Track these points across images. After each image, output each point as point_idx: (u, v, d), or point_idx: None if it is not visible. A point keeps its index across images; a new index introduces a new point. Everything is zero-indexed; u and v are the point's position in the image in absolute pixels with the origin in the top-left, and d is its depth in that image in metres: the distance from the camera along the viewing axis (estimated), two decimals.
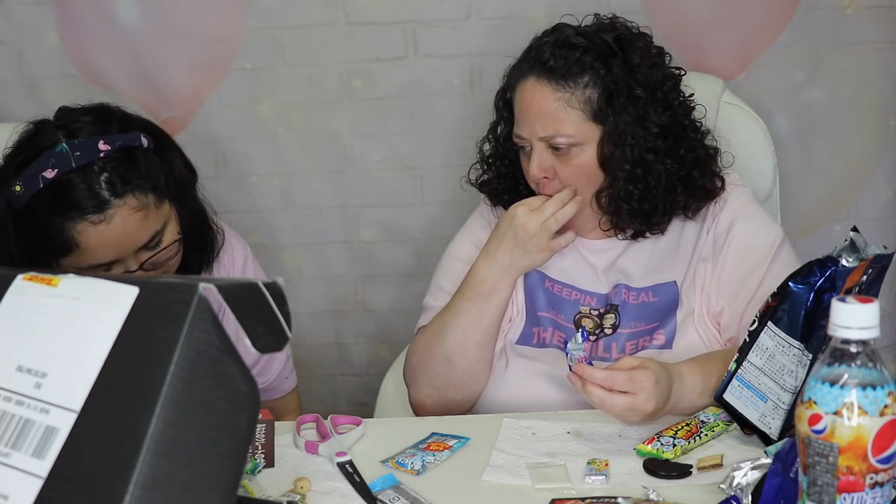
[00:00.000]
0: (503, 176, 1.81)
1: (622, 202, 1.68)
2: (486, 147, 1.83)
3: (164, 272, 1.62)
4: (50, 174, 1.52)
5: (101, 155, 1.54)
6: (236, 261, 1.80)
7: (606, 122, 1.66)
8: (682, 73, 1.76)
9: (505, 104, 1.77)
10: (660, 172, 1.67)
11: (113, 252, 1.56)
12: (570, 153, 1.67)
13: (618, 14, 1.76)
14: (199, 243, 1.71)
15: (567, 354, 1.47)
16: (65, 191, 1.53)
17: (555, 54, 1.67)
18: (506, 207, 1.77)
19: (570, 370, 1.45)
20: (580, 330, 1.46)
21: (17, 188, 1.54)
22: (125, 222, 1.54)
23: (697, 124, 1.75)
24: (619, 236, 1.74)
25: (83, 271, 1.02)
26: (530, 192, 1.75)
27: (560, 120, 1.66)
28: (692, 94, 1.76)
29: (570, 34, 1.69)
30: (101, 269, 1.57)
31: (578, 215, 1.70)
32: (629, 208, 1.68)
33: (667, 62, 1.74)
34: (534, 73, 1.68)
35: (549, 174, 1.69)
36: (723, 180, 1.74)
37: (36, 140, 1.58)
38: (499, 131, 1.80)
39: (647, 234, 1.73)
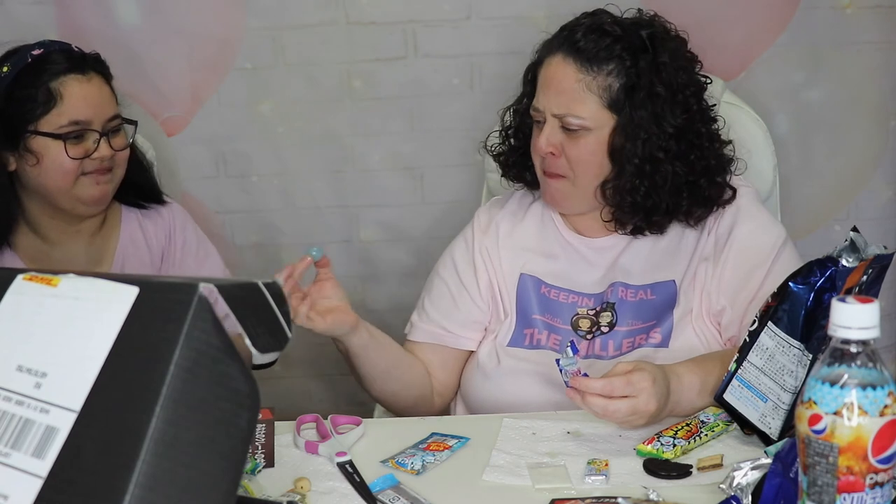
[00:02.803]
0: (515, 149, 1.82)
1: (626, 195, 1.69)
2: (507, 118, 1.84)
3: (114, 166, 1.83)
4: (36, 52, 1.80)
5: (76, 49, 1.85)
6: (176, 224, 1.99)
7: (622, 113, 1.67)
8: (709, 81, 1.76)
9: (528, 79, 1.79)
10: (667, 173, 1.67)
11: (90, 110, 1.79)
12: (579, 134, 1.68)
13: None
14: (138, 169, 1.94)
15: (561, 371, 1.45)
16: (52, 58, 1.79)
17: (586, 36, 1.68)
18: (514, 181, 1.84)
19: (567, 386, 1.44)
20: (570, 344, 1.45)
21: (5, 69, 1.79)
22: (101, 87, 1.83)
23: (716, 134, 1.75)
24: (619, 231, 1.75)
25: (83, 272, 1.02)
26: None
27: (576, 101, 1.67)
28: (715, 105, 1.77)
29: (607, 21, 1.71)
30: (77, 131, 1.77)
31: (577, 197, 1.72)
32: (632, 202, 1.69)
33: (697, 70, 1.75)
34: (562, 51, 1.69)
35: (555, 151, 1.69)
36: (734, 191, 1.74)
37: (16, 47, 1.83)
38: (522, 104, 1.81)
39: (646, 233, 1.73)
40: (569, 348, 1.46)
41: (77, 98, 1.78)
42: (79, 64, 1.81)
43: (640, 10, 1.77)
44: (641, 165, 1.67)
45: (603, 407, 1.41)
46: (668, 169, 1.67)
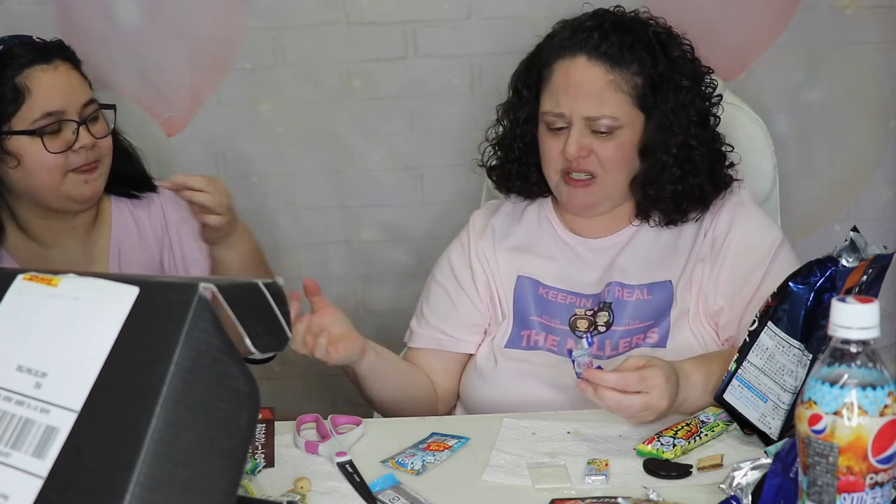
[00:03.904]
0: (515, 160, 1.81)
1: (666, 184, 1.71)
2: (499, 131, 1.83)
3: (100, 157, 1.80)
4: None
5: (37, 39, 1.81)
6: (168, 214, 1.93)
7: (651, 110, 1.69)
8: (711, 71, 1.79)
9: (525, 85, 1.77)
10: (701, 157, 1.71)
11: (62, 99, 1.75)
12: (611, 135, 1.69)
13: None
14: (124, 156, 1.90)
15: (573, 361, 1.44)
16: (13, 53, 1.75)
17: (608, 38, 1.69)
18: (518, 193, 1.83)
19: (578, 377, 1.43)
20: (585, 336, 1.45)
21: None
22: (69, 73, 1.79)
23: (718, 120, 1.79)
24: (650, 223, 1.75)
25: (83, 272, 1.02)
26: (541, 178, 1.77)
27: (607, 102, 1.67)
28: (718, 93, 1.79)
29: (624, 20, 1.72)
30: (53, 123, 1.73)
31: (605, 198, 1.73)
32: (673, 190, 1.71)
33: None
34: (585, 53, 1.69)
35: (584, 153, 1.70)
36: (730, 177, 1.78)
37: None
38: (518, 113, 1.79)
39: (678, 223, 1.74)
40: (583, 339, 1.46)
41: (46, 88, 1.74)
42: (42, 54, 1.76)
43: (620, 6, 1.77)
44: (678, 153, 1.69)
45: (617, 401, 1.41)
46: (701, 153, 1.71)
